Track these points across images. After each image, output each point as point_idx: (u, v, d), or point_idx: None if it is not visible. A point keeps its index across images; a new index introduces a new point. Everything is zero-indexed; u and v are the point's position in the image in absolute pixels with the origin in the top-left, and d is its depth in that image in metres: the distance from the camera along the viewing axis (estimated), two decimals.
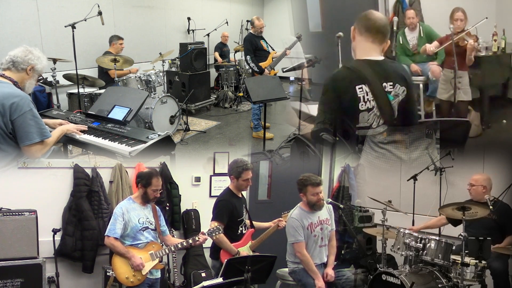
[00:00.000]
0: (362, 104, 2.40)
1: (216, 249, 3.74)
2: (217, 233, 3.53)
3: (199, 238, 3.52)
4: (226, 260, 3.14)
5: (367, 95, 2.39)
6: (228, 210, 3.68)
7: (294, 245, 3.65)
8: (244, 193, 4.21)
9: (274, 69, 6.22)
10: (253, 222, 3.98)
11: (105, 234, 3.45)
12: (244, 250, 3.74)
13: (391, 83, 2.44)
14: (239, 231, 3.76)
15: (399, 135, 2.63)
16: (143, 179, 3.51)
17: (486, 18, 4.49)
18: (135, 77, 6.11)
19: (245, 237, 3.80)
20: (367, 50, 2.45)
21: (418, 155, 2.71)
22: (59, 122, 3.51)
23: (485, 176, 3.93)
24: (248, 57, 6.17)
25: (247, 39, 6.35)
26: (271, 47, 6.37)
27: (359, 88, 2.38)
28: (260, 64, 6.14)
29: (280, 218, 3.90)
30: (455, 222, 3.86)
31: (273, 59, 6.19)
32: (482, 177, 3.93)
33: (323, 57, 5.43)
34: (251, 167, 3.77)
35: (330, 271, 3.71)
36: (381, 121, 2.48)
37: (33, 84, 3.10)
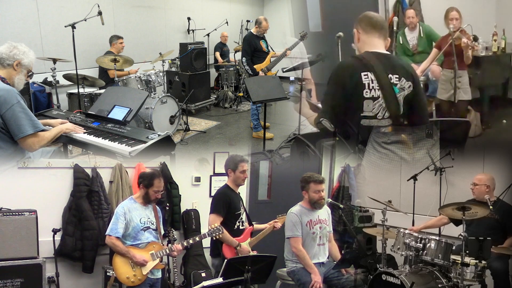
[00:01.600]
0: (367, 91, 2.43)
1: (215, 246, 3.76)
2: (217, 233, 3.54)
3: (174, 250, 3.55)
4: (226, 260, 3.15)
5: (372, 82, 2.43)
6: (225, 202, 3.73)
7: (291, 240, 3.70)
8: (244, 193, 4.22)
9: (271, 71, 6.20)
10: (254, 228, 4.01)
11: (107, 233, 3.45)
12: (245, 245, 3.76)
13: (397, 76, 2.49)
14: (236, 226, 3.78)
15: (403, 135, 2.64)
16: (145, 180, 3.52)
17: (469, 25, 4.52)
18: (135, 77, 6.11)
19: (245, 234, 3.83)
20: (374, 45, 2.54)
21: (422, 156, 2.73)
22: (60, 121, 3.53)
23: (489, 176, 3.93)
24: (244, 59, 6.17)
25: (247, 39, 6.33)
26: (271, 48, 6.36)
27: (364, 75, 2.43)
28: (257, 65, 6.14)
29: (276, 220, 3.95)
30: (457, 222, 3.86)
31: (271, 60, 6.18)
32: (485, 177, 3.93)
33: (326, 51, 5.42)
34: (247, 160, 3.86)
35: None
36: (387, 114, 2.50)
37: (23, 79, 3.09)
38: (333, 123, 2.48)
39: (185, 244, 3.62)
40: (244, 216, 3.89)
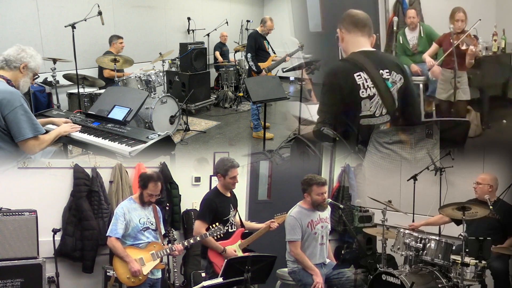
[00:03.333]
0: (363, 91, 2.43)
1: (204, 248, 3.74)
2: (218, 232, 3.53)
3: (174, 249, 3.54)
4: (226, 260, 3.14)
5: (366, 81, 2.43)
6: (210, 209, 3.68)
7: (289, 243, 3.71)
8: (244, 193, 4.20)
9: (271, 72, 6.22)
10: (247, 223, 3.98)
11: (107, 234, 3.45)
12: (232, 248, 3.72)
13: (387, 71, 2.49)
14: (225, 230, 3.72)
15: (404, 135, 2.64)
16: (141, 181, 3.53)
17: (480, 19, 4.47)
18: (135, 77, 6.11)
19: (234, 236, 3.79)
20: (359, 43, 2.51)
21: (423, 156, 2.72)
22: (64, 120, 3.55)
23: (492, 176, 3.93)
24: (249, 55, 6.17)
25: (252, 36, 6.33)
26: (272, 49, 6.38)
27: (357, 76, 2.42)
28: (259, 64, 6.15)
29: (273, 220, 3.88)
30: (458, 222, 3.86)
31: (272, 62, 6.20)
32: (489, 176, 3.93)
33: (323, 57, 5.43)
34: (237, 165, 3.78)
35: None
36: (384, 110, 2.50)
37: (28, 82, 3.10)
38: (334, 127, 2.47)
39: (185, 243, 3.61)
40: (235, 219, 3.84)
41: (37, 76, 3.19)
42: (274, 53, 6.36)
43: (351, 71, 2.42)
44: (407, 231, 3.89)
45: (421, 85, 5.12)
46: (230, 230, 3.78)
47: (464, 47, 4.42)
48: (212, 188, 4.66)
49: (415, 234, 3.83)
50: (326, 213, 3.83)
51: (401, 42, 5.32)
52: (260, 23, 6.38)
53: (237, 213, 3.89)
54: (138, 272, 3.38)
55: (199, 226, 3.65)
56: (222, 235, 3.60)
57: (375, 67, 2.45)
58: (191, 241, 3.58)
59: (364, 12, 2.56)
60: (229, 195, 3.84)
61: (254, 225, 3.98)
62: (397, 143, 2.63)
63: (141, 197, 3.53)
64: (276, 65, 6.20)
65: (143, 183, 3.51)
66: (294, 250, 3.66)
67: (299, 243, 3.67)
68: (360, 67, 2.42)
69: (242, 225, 3.90)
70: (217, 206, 3.71)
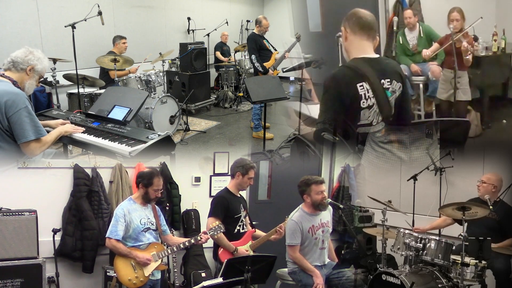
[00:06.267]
0: (364, 102, 2.40)
1: (215, 250, 3.75)
2: (218, 231, 3.52)
3: (201, 238, 3.49)
4: (226, 260, 3.14)
5: (368, 92, 2.39)
6: (223, 205, 3.70)
7: (288, 247, 3.70)
8: (244, 193, 4.20)
9: (276, 69, 6.24)
10: (255, 234, 3.98)
11: (106, 236, 3.41)
12: (244, 248, 3.74)
13: (388, 80, 2.46)
14: (236, 230, 3.76)
15: (399, 134, 2.63)
16: (144, 179, 3.49)
17: (481, 18, 4.45)
18: (135, 77, 6.11)
19: (245, 237, 3.81)
20: (363, 48, 2.46)
21: (419, 155, 2.71)
22: (61, 122, 3.52)
23: (498, 177, 3.93)
24: (253, 57, 6.18)
25: (251, 38, 6.35)
26: (273, 47, 6.38)
27: (360, 86, 2.38)
28: (264, 64, 6.17)
29: (281, 226, 3.82)
30: (461, 222, 3.86)
31: (275, 60, 6.22)
32: (494, 176, 3.92)
33: (323, 57, 5.42)
34: (255, 167, 3.86)
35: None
36: (380, 118, 2.49)
37: (33, 84, 3.10)
38: (334, 128, 2.46)
39: (186, 243, 3.56)
40: (246, 220, 3.87)
41: (42, 78, 3.19)
42: (276, 50, 6.37)
43: (354, 80, 2.37)
44: (407, 231, 3.89)
45: (421, 85, 5.12)
46: (241, 230, 3.80)
47: (460, 45, 4.43)
48: (210, 188, 4.71)
49: (415, 234, 3.83)
50: (328, 217, 3.81)
51: (401, 42, 5.33)
52: (255, 24, 6.39)
53: (247, 214, 3.90)
54: (149, 260, 3.38)
55: (211, 223, 3.63)
56: (218, 235, 3.58)
57: (378, 76, 2.41)
58: (192, 240, 3.51)
59: (371, 14, 2.49)
60: (239, 195, 3.86)
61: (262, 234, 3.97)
62: (391, 143, 2.62)
63: (146, 195, 3.49)
64: (278, 62, 6.21)
65: (148, 181, 3.47)
66: (293, 254, 3.66)
67: (298, 247, 3.67)
68: (363, 77, 2.37)
69: (252, 226, 3.91)
70: (228, 203, 3.73)
